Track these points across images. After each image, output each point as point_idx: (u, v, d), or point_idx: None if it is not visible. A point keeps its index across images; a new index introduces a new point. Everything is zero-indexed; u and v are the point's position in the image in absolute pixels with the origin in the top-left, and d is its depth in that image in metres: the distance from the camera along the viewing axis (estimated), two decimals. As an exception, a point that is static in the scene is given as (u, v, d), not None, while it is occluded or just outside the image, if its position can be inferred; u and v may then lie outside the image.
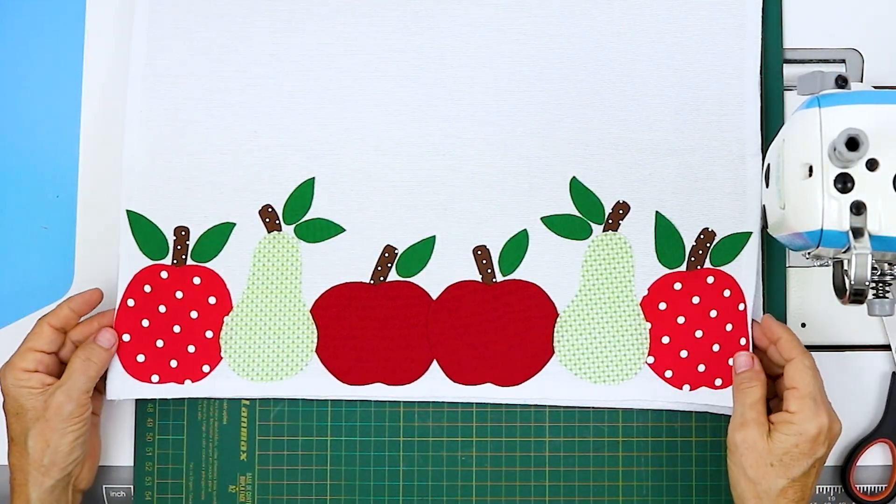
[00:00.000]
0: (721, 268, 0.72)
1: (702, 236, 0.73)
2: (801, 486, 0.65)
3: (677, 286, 0.73)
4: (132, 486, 0.75)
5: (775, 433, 0.64)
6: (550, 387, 0.73)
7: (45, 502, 0.67)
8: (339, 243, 0.74)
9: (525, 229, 0.73)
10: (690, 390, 0.72)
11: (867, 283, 0.56)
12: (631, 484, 0.73)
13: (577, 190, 0.73)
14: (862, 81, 0.75)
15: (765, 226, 0.69)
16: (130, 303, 0.73)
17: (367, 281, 0.74)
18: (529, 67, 0.74)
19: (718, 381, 0.72)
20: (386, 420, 0.74)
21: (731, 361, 0.71)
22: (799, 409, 0.64)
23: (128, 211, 0.74)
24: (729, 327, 0.72)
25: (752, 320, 0.72)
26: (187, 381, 0.73)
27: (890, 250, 0.58)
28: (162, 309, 0.73)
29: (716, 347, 0.72)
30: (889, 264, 0.61)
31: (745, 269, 0.72)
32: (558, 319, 0.73)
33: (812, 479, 0.65)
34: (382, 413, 0.74)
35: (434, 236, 0.74)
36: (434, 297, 0.74)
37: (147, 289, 0.73)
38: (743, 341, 0.71)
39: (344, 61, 0.75)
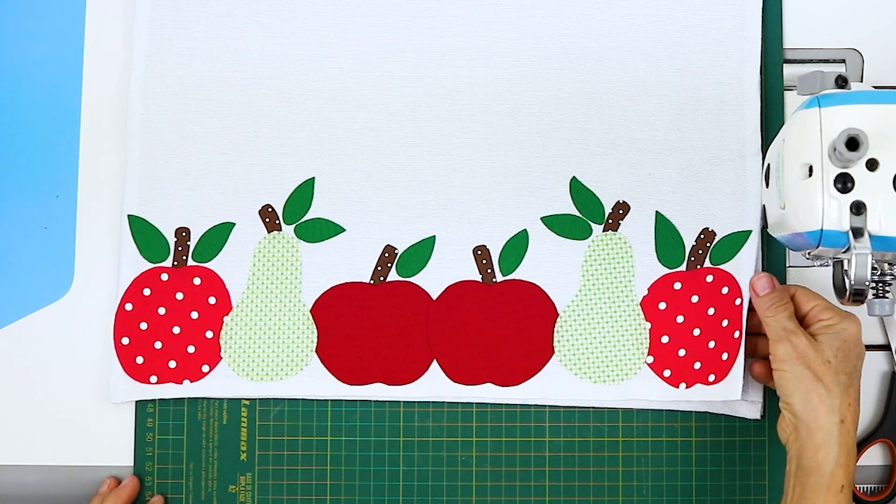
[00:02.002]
0: (720, 266, 0.72)
1: (702, 236, 0.73)
2: (856, 389, 0.65)
3: (677, 286, 0.73)
4: (132, 486, 0.75)
5: (820, 336, 0.65)
6: (550, 387, 0.73)
7: None
8: (339, 243, 0.74)
9: (525, 229, 0.74)
10: (686, 388, 0.72)
11: (867, 283, 0.57)
12: (631, 484, 0.73)
13: (577, 190, 0.73)
14: (862, 81, 0.75)
15: (765, 225, 0.69)
16: (129, 307, 0.73)
17: (367, 281, 0.74)
18: (529, 67, 0.74)
19: (712, 377, 0.71)
20: (386, 420, 0.74)
21: (723, 353, 0.71)
22: (832, 315, 0.66)
23: (129, 215, 0.74)
24: (725, 323, 0.72)
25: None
26: (186, 381, 0.73)
27: (890, 250, 0.58)
28: (161, 311, 0.74)
29: (711, 344, 0.72)
30: (889, 264, 0.61)
31: (744, 267, 0.72)
32: (558, 319, 0.73)
33: (858, 385, 0.65)
34: (382, 413, 0.74)
35: (434, 236, 0.74)
36: (434, 297, 0.74)
37: (146, 292, 0.74)
38: (736, 334, 0.71)
39: (344, 61, 0.75)
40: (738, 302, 0.71)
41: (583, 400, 0.73)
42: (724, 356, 0.71)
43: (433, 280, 0.74)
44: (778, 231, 0.65)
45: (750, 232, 0.72)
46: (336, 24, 0.75)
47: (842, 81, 0.60)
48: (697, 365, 0.72)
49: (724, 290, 0.72)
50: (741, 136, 0.73)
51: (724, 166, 0.73)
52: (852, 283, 0.57)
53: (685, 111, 0.73)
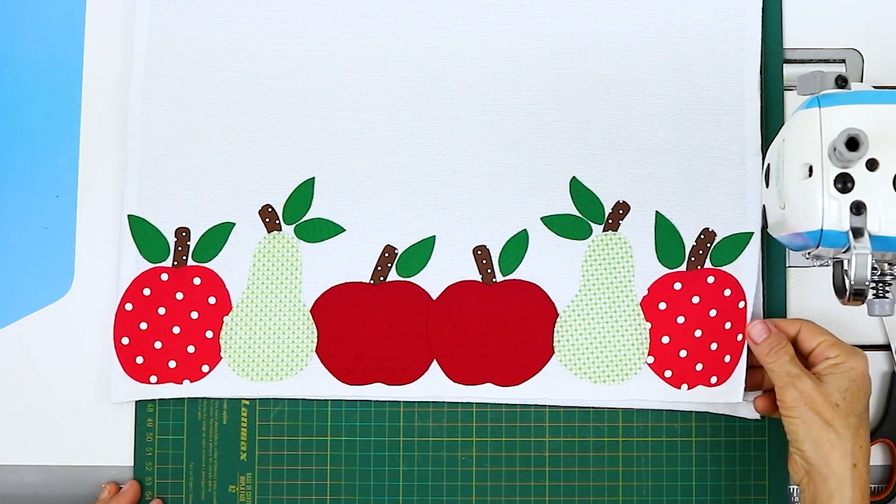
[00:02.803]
0: (722, 268, 0.72)
1: (702, 236, 0.73)
2: (867, 429, 0.64)
3: (677, 286, 0.73)
4: (132, 486, 0.75)
5: (826, 377, 0.64)
6: (550, 387, 0.73)
7: None
8: (339, 243, 0.74)
9: (525, 229, 0.74)
10: (688, 389, 0.72)
11: (867, 283, 0.56)
12: (631, 484, 0.73)
13: (577, 190, 0.73)
14: (862, 81, 0.75)
15: (765, 226, 0.69)
16: (129, 307, 0.73)
17: (367, 281, 0.74)
18: (529, 67, 0.74)
19: (714, 379, 0.72)
20: (386, 420, 0.74)
21: (726, 356, 0.71)
22: (839, 353, 0.65)
23: (129, 215, 0.74)
24: (728, 325, 0.72)
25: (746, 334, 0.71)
26: (186, 381, 0.73)
27: (890, 250, 0.58)
28: (161, 311, 0.74)
29: (714, 346, 0.72)
30: (889, 264, 0.61)
31: (747, 269, 0.72)
32: (558, 319, 0.73)
33: (868, 425, 0.65)
34: (382, 413, 0.74)
35: (434, 236, 0.74)
36: (434, 297, 0.74)
37: (146, 292, 0.74)
38: (739, 337, 0.71)
39: (344, 61, 0.75)
40: (741, 305, 0.71)
41: (583, 400, 0.73)
42: (727, 358, 0.71)
43: (433, 280, 0.74)
44: (778, 231, 0.65)
45: (752, 234, 0.72)
46: (336, 24, 0.75)
47: (842, 81, 0.60)
48: (699, 366, 0.72)
49: (727, 293, 0.72)
50: (741, 136, 0.73)
51: (724, 166, 0.73)
52: (852, 283, 0.57)
53: (685, 111, 0.73)
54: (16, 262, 0.76)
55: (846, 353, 0.65)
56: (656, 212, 0.73)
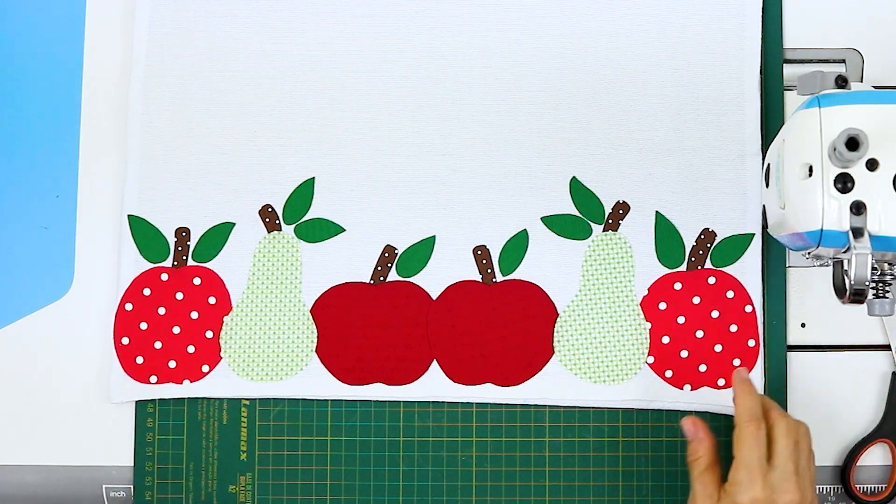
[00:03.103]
0: (723, 269, 0.72)
1: (702, 236, 0.73)
2: None
3: (677, 286, 0.73)
4: (132, 486, 0.75)
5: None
6: (550, 387, 0.73)
7: None
8: (339, 243, 0.74)
9: (525, 229, 0.74)
10: (691, 390, 0.72)
11: (867, 283, 0.56)
12: (631, 484, 0.73)
13: (577, 190, 0.74)
14: (862, 81, 0.75)
15: (765, 226, 0.69)
16: (129, 307, 0.73)
17: (367, 281, 0.74)
18: (529, 67, 0.74)
19: (721, 382, 0.72)
20: (386, 420, 0.74)
21: (735, 359, 0.71)
22: (732, 481, 0.62)
23: (129, 215, 0.74)
24: (734, 328, 0.72)
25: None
26: (186, 381, 0.73)
27: (890, 250, 0.58)
28: (161, 311, 0.74)
29: (718, 348, 0.72)
30: (889, 264, 0.61)
31: (750, 271, 0.72)
32: (558, 319, 0.73)
33: None
34: (382, 413, 0.74)
35: (434, 236, 0.74)
36: (434, 297, 0.74)
37: (146, 292, 0.74)
38: (752, 343, 0.71)
39: (344, 61, 0.75)
40: (748, 309, 0.71)
41: (583, 400, 0.73)
42: (737, 362, 0.71)
43: (433, 280, 0.74)
44: (778, 231, 0.65)
45: (753, 235, 0.72)
46: (336, 24, 0.75)
47: (842, 81, 0.60)
48: (703, 367, 0.72)
49: (730, 294, 0.72)
50: (741, 136, 0.73)
51: (724, 166, 0.73)
52: (852, 283, 0.57)
53: (685, 111, 0.73)
54: (16, 262, 0.76)
55: (736, 486, 0.61)
56: (656, 212, 0.73)
